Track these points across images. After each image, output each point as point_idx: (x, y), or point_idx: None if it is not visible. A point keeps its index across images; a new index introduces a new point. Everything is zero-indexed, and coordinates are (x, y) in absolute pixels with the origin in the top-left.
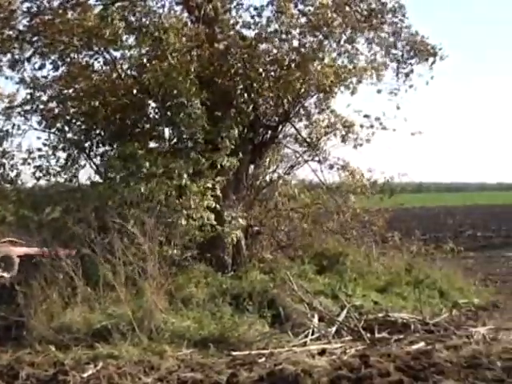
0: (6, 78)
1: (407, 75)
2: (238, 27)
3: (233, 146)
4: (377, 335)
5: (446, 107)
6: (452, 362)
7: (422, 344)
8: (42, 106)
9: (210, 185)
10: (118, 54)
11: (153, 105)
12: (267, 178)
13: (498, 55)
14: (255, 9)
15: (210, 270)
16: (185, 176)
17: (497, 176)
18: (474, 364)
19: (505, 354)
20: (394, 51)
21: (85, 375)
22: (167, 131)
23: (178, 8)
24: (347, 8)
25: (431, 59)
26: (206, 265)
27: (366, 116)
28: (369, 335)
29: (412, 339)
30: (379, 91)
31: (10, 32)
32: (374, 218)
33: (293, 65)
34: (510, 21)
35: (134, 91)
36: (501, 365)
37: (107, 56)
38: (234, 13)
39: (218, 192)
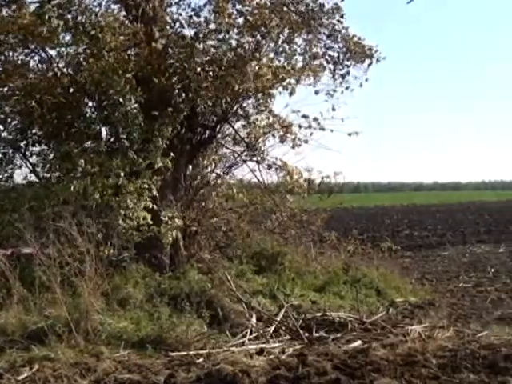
0: None
1: (343, 77)
2: (176, 26)
3: (166, 146)
4: (315, 334)
5: (384, 107)
6: (388, 360)
7: (358, 343)
8: None
9: (146, 185)
10: (54, 53)
11: (89, 104)
12: (205, 178)
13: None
14: (193, 9)
15: (147, 270)
16: (121, 175)
17: (433, 175)
18: (410, 362)
19: (440, 351)
20: (330, 52)
21: (20, 378)
22: (104, 130)
23: (116, 6)
24: (285, 8)
25: (367, 61)
26: (143, 265)
27: (304, 116)
28: (307, 334)
29: (349, 338)
30: (317, 92)
31: None
32: (312, 217)
33: (231, 65)
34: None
35: (71, 90)
36: (436, 362)
37: (43, 54)
38: (172, 11)
39: (155, 192)
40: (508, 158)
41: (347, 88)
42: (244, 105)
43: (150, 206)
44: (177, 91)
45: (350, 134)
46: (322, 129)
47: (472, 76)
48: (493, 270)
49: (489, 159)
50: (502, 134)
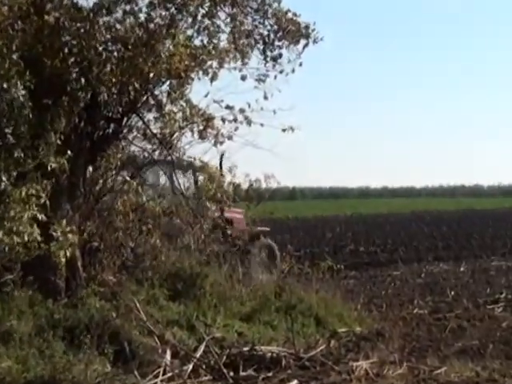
0: None
1: (275, 59)
2: None
3: (60, 142)
4: (241, 373)
5: (325, 101)
6: None
7: (294, 382)
8: None
9: (34, 190)
10: None
11: None
12: (109, 183)
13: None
14: None
15: (37, 297)
16: (4, 179)
17: (381, 179)
18: None
19: None
20: (260, 30)
21: None
22: None
23: None
24: None
25: (303, 41)
26: (31, 290)
27: (229, 107)
28: (232, 374)
29: (283, 377)
30: (244, 78)
31: None
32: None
33: (139, 44)
34: None
35: None
36: None
37: None
38: None
39: (45, 200)
40: (471, 158)
41: (281, 72)
42: (156, 93)
43: (39, 217)
44: (74, 76)
45: (284, 130)
46: (250, 123)
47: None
48: (452, 293)
49: (448, 160)
50: (464, 133)
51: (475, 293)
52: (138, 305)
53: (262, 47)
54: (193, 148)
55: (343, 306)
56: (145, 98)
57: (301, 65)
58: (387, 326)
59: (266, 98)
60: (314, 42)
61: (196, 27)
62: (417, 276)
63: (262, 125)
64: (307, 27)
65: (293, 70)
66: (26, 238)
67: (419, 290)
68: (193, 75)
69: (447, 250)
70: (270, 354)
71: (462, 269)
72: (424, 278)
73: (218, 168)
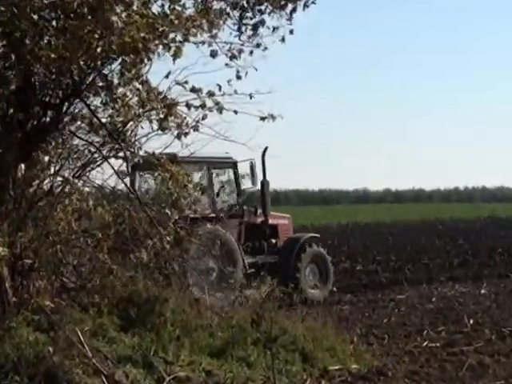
0: None
1: (255, 28)
2: None
3: None
4: None
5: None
6: None
7: None
8: None
9: None
10: None
11: None
12: (46, 184)
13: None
14: None
15: None
16: None
17: (382, 180)
18: None
19: None
20: None
21: None
22: None
23: None
24: None
25: (290, 5)
26: None
27: (195, 90)
28: None
29: None
30: (214, 54)
31: None
32: (209, 242)
33: (85, 11)
34: None
35: None
36: None
37: None
38: None
39: None
40: (493, 157)
41: (258, 45)
42: (105, 72)
43: None
44: (1, 51)
45: (263, 119)
46: (222, 109)
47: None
48: (471, 322)
49: (465, 158)
50: (482, 128)
51: (500, 321)
52: (81, 337)
53: (238, 13)
54: (151, 141)
55: (336, 337)
56: (91, 78)
57: (291, 32)
58: (390, 363)
59: (238, 77)
60: (305, 5)
61: None
62: (427, 301)
63: (235, 112)
64: None
65: (282, 39)
66: None
67: (430, 318)
68: (151, 51)
69: (464, 267)
70: None
71: (482, 291)
72: (435, 302)
73: (261, 166)
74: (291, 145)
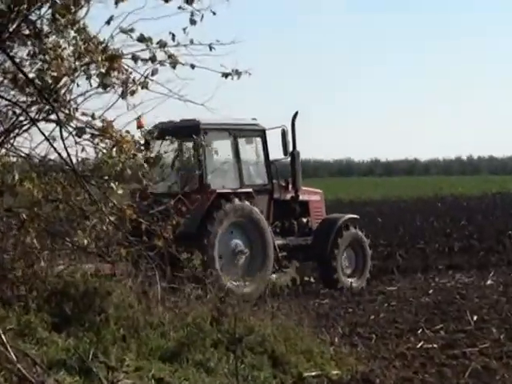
0: None
1: None
2: None
3: None
4: None
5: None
6: None
7: None
8: None
9: None
10: None
11: None
12: None
13: None
14: None
15: None
16: None
17: (369, 149)
18: None
19: None
20: None
21: None
22: None
23: None
24: None
25: None
26: None
27: (143, 40)
28: None
29: None
30: None
31: None
32: (159, 224)
33: None
34: None
35: None
36: None
37: None
38: None
39: None
40: (503, 120)
41: None
42: (33, 18)
43: None
44: None
45: (226, 75)
46: (176, 63)
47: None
48: (475, 318)
49: (467, 123)
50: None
51: (509, 318)
52: (3, 337)
53: None
54: (90, 101)
55: (313, 337)
56: (15, 25)
57: None
58: (378, 368)
59: (192, 22)
60: None
61: None
62: (422, 293)
63: (192, 66)
64: None
65: None
66: None
67: (426, 314)
68: None
69: (467, 253)
70: None
71: (489, 282)
72: (433, 295)
73: (291, 132)
74: (259, 107)
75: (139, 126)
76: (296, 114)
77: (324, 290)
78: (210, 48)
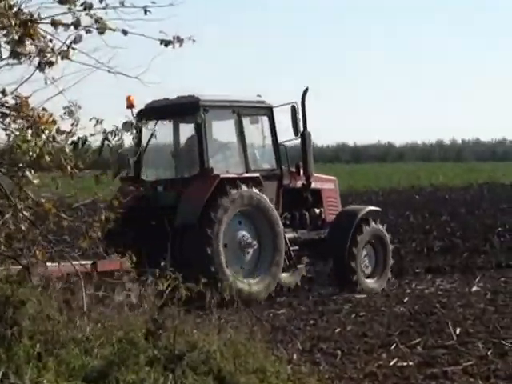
0: None
1: None
2: None
3: None
4: None
5: None
6: None
7: None
8: None
9: None
10: None
11: None
12: None
13: None
14: None
15: None
16: None
17: (338, 133)
18: None
19: None
20: None
21: None
22: None
23: None
24: None
25: None
26: None
27: (65, 2)
28: None
29: None
30: None
31: None
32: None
33: None
34: None
35: None
36: None
37: None
38: None
39: None
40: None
41: None
42: None
43: None
44: None
45: (165, 43)
46: (104, 29)
47: None
48: (458, 332)
49: (450, 103)
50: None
51: (498, 331)
52: None
53: None
54: (1, 74)
55: (267, 354)
56: None
57: None
58: None
59: None
60: None
61: None
62: (396, 301)
63: (124, 33)
64: None
65: None
66: None
67: (400, 327)
68: None
69: (450, 254)
70: None
71: (474, 288)
72: (408, 304)
73: (300, 108)
74: (206, 81)
75: (129, 106)
76: (306, 90)
77: (281, 298)
78: (145, 11)
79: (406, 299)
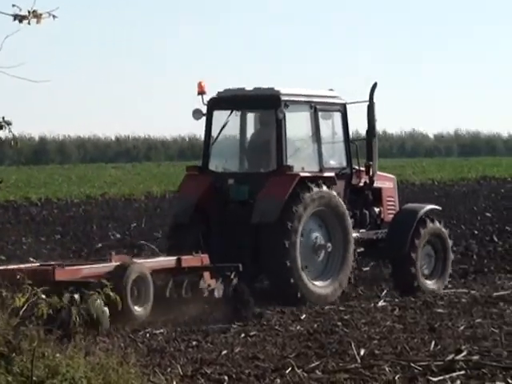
0: None
1: None
2: None
3: None
4: None
5: None
6: None
7: None
8: None
9: None
10: None
11: None
12: None
13: None
14: None
15: None
16: None
17: None
18: None
19: None
20: None
21: None
22: None
23: None
24: None
25: None
26: None
27: None
28: None
29: None
30: None
31: None
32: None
33: None
34: None
35: None
36: None
37: None
38: None
39: None
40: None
41: None
42: None
43: None
44: None
45: (19, 18)
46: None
47: None
48: (363, 353)
49: (433, 93)
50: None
51: (406, 352)
52: None
53: None
54: None
55: (143, 381)
56: None
57: None
58: None
59: None
60: None
61: None
62: (292, 319)
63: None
64: None
65: None
66: None
67: (297, 348)
68: None
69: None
70: None
71: (381, 303)
72: (306, 322)
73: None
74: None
75: (200, 92)
76: (375, 85)
77: (159, 315)
78: None
79: (303, 316)
